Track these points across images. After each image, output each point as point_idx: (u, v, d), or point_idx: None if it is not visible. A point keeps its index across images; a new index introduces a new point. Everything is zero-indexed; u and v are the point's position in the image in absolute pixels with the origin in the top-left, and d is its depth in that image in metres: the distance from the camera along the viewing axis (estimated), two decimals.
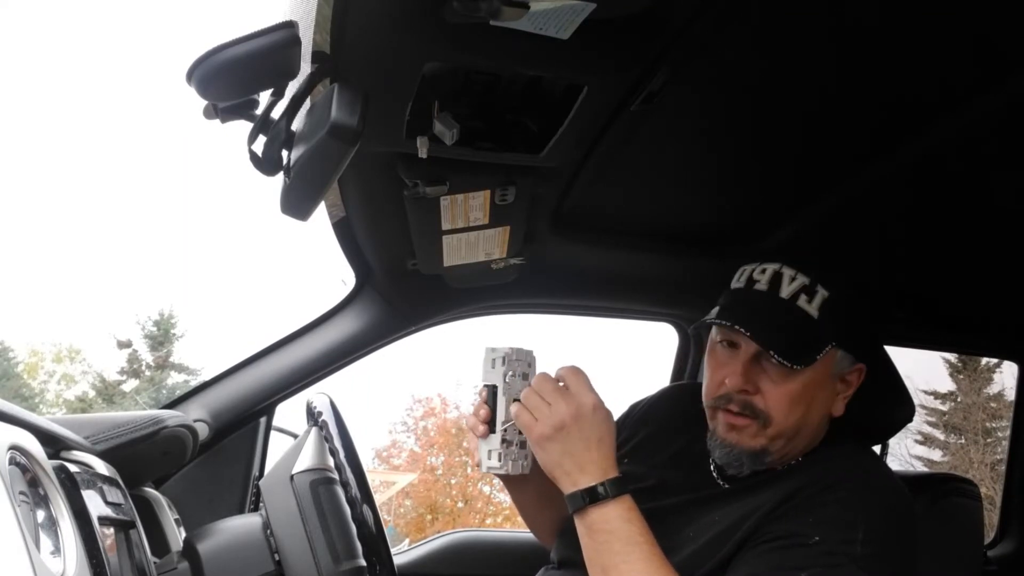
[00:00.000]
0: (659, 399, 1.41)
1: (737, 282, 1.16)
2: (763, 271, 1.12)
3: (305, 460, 1.21)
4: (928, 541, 1.21)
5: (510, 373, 1.13)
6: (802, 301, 1.08)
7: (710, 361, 1.16)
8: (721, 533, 1.08)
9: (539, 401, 1.06)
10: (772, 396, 1.08)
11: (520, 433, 1.13)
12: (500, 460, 1.12)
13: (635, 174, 1.35)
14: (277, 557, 1.16)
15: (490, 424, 1.13)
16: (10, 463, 0.76)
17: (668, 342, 2.19)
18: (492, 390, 1.13)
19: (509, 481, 1.31)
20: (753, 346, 1.08)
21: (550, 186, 1.32)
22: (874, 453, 1.23)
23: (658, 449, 1.27)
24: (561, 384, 1.07)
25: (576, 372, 1.08)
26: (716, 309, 1.14)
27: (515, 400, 1.11)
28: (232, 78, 0.81)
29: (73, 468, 0.92)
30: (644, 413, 1.39)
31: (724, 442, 1.12)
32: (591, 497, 1.02)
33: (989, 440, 15.90)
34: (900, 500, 1.09)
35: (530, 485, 1.24)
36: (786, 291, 1.09)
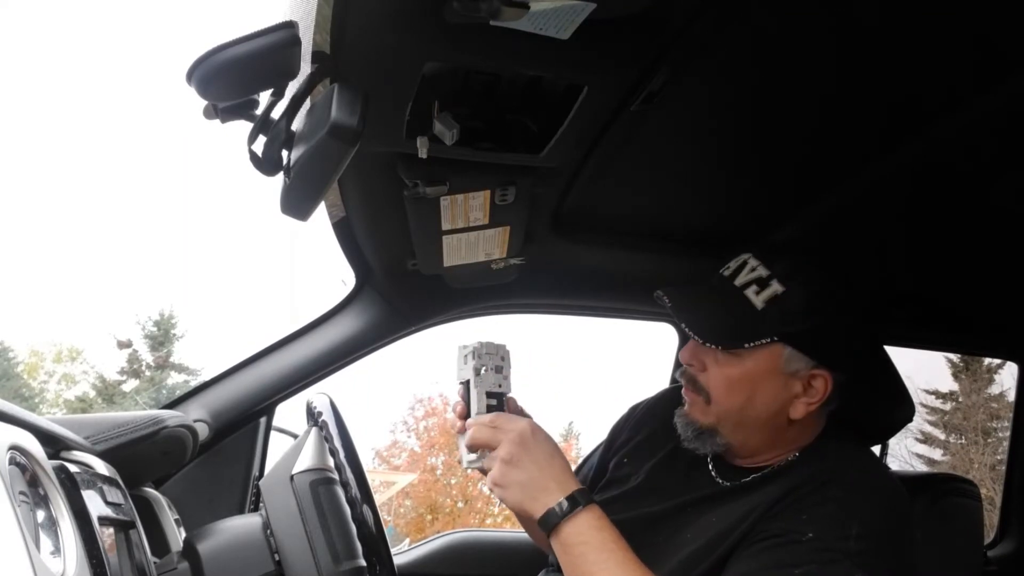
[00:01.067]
0: (659, 400, 1.42)
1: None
2: (736, 259, 1.15)
3: (305, 460, 1.21)
4: (928, 541, 1.22)
5: (483, 368, 1.14)
6: (750, 291, 1.10)
7: None
8: (719, 534, 1.08)
9: (481, 449, 1.08)
10: (712, 375, 1.13)
11: None
12: (478, 453, 1.12)
13: (635, 174, 1.35)
14: (277, 557, 1.16)
15: (467, 419, 1.14)
16: (10, 463, 0.76)
17: (668, 342, 2.19)
18: (466, 385, 1.14)
19: None
20: None
21: (550, 186, 1.32)
22: (871, 451, 1.23)
23: (658, 449, 1.27)
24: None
25: (497, 413, 1.10)
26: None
27: (488, 393, 1.13)
28: (232, 78, 0.81)
29: (73, 468, 0.92)
30: (645, 413, 1.40)
31: (680, 412, 1.18)
32: (562, 512, 1.02)
33: (989, 440, 15.90)
34: (896, 498, 1.09)
35: None
36: (741, 279, 1.11)
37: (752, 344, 1.08)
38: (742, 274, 1.12)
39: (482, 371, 1.14)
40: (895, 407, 1.27)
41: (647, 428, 1.34)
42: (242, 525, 1.23)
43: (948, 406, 16.80)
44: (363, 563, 1.14)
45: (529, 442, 1.05)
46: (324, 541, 1.14)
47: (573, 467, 1.53)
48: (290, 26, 0.81)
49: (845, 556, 0.98)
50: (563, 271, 1.75)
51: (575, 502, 1.02)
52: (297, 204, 0.94)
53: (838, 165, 1.30)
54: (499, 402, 1.14)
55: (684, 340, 2.17)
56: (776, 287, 1.08)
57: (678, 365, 1.97)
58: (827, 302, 1.09)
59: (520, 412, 1.25)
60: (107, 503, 0.97)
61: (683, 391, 1.18)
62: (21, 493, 0.74)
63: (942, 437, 16.69)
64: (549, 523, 1.03)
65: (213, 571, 1.14)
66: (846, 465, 1.10)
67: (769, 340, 1.08)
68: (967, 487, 1.71)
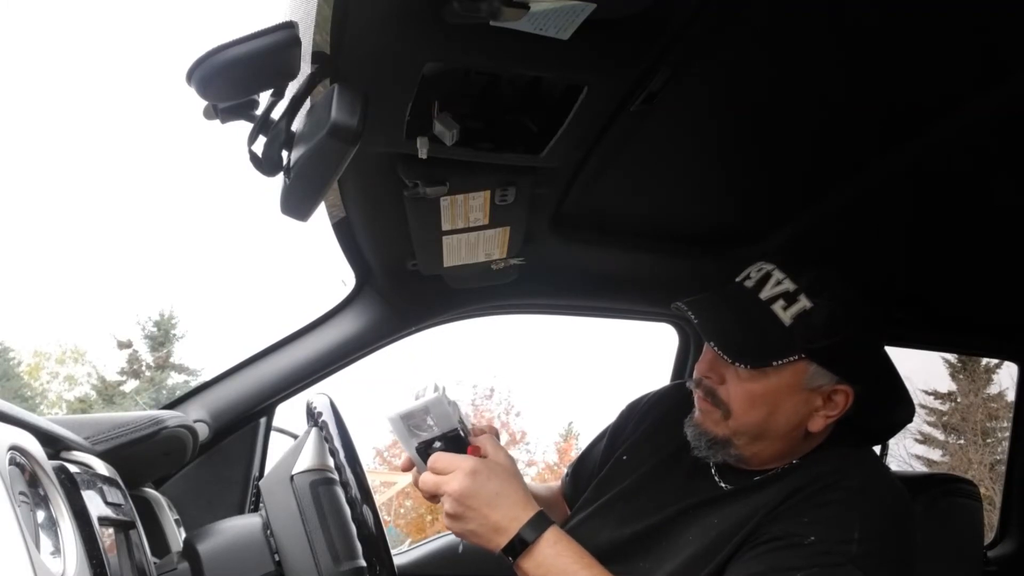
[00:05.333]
0: (662, 398, 1.42)
1: (738, 277, 1.16)
2: (759, 269, 1.12)
3: (305, 460, 1.21)
4: (928, 541, 1.21)
5: (416, 428, 1.09)
6: (778, 306, 1.07)
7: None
8: (720, 536, 1.08)
9: (433, 502, 1.08)
10: (733, 390, 1.10)
11: None
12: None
13: (635, 174, 1.34)
14: (277, 557, 1.16)
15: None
16: (10, 463, 0.76)
17: (668, 342, 2.19)
18: (415, 449, 1.11)
19: None
20: None
21: (550, 186, 1.32)
22: (873, 453, 1.23)
23: (660, 449, 1.27)
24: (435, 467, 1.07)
25: (437, 457, 1.08)
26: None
27: (426, 447, 1.09)
28: (232, 78, 0.81)
29: (73, 468, 0.92)
30: (647, 409, 1.40)
31: (692, 421, 1.16)
32: (518, 548, 1.03)
33: (988, 440, 15.90)
34: (898, 500, 1.08)
35: None
36: (767, 293, 1.08)
37: (780, 362, 1.06)
38: (767, 287, 1.09)
39: (415, 431, 1.09)
40: (896, 408, 1.27)
41: (649, 427, 1.34)
42: (242, 525, 1.23)
43: (947, 406, 16.80)
44: (363, 563, 1.14)
45: (470, 491, 1.04)
46: (324, 541, 1.14)
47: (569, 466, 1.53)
48: (290, 26, 0.81)
49: (847, 559, 0.98)
50: (563, 271, 1.75)
51: (527, 535, 1.02)
52: (297, 204, 0.94)
53: (838, 165, 1.30)
54: (444, 444, 1.10)
55: (685, 343, 2.17)
56: (804, 302, 1.06)
57: (680, 371, 1.95)
58: (852, 317, 1.08)
59: (487, 442, 1.14)
60: (107, 503, 0.97)
61: (697, 400, 1.16)
62: (21, 493, 0.74)
63: (941, 438, 16.69)
64: (508, 559, 1.04)
65: (213, 571, 1.14)
66: (848, 468, 1.10)
67: (796, 358, 1.06)
68: (967, 487, 1.71)
